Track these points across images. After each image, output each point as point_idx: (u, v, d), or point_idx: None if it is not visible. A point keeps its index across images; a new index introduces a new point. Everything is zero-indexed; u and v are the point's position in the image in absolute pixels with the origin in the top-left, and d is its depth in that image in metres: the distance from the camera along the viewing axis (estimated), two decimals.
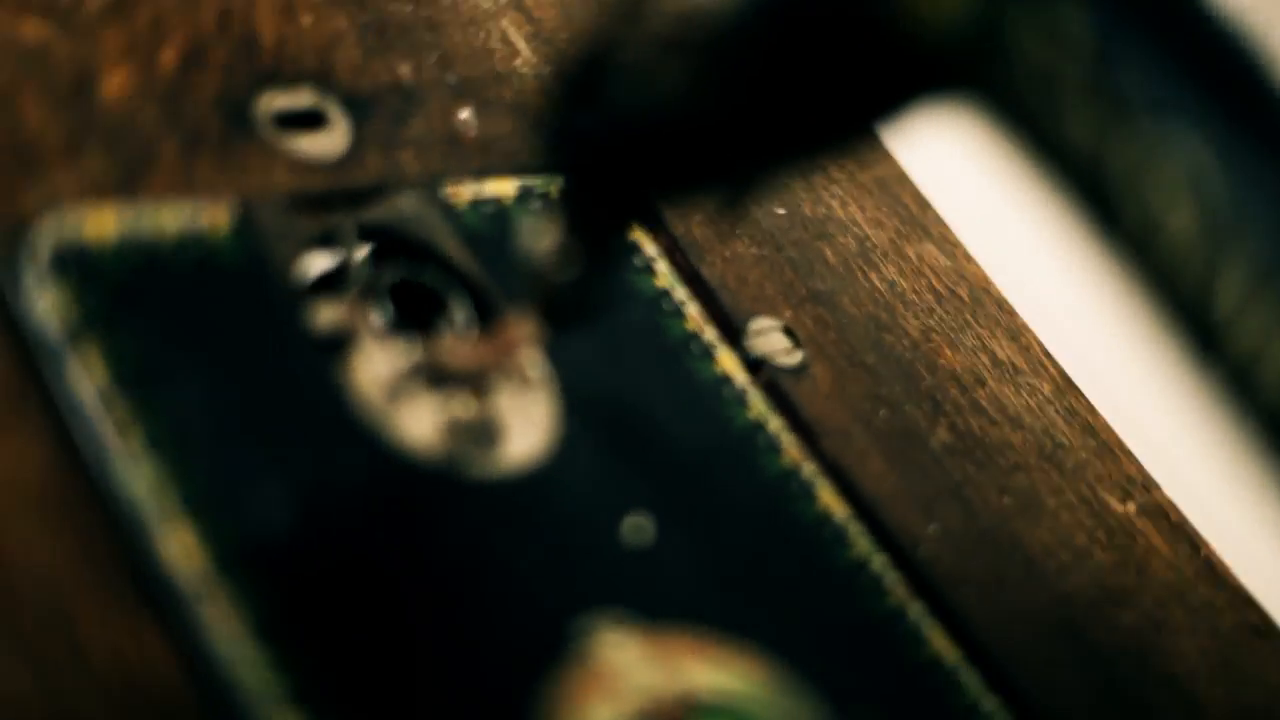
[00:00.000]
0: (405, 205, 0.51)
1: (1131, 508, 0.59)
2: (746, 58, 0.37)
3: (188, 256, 0.46)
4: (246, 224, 0.47)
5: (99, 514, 0.40)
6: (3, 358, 0.42)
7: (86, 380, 0.42)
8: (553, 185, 0.55)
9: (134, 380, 0.42)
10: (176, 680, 0.38)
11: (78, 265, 0.44)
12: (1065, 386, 0.62)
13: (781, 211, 0.60)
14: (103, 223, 0.45)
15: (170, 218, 0.46)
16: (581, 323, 0.47)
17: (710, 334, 0.54)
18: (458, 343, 0.48)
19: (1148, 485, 0.60)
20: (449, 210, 0.52)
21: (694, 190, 0.44)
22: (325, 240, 0.49)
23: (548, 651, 0.43)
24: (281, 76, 0.52)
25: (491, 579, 0.44)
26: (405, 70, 0.56)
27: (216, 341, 0.45)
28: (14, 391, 0.41)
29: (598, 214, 0.45)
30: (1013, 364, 0.62)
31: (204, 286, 0.45)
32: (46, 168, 0.46)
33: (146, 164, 0.48)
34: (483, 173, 0.54)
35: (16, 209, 0.44)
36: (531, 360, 0.49)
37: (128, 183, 0.47)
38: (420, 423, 0.46)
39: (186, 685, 0.38)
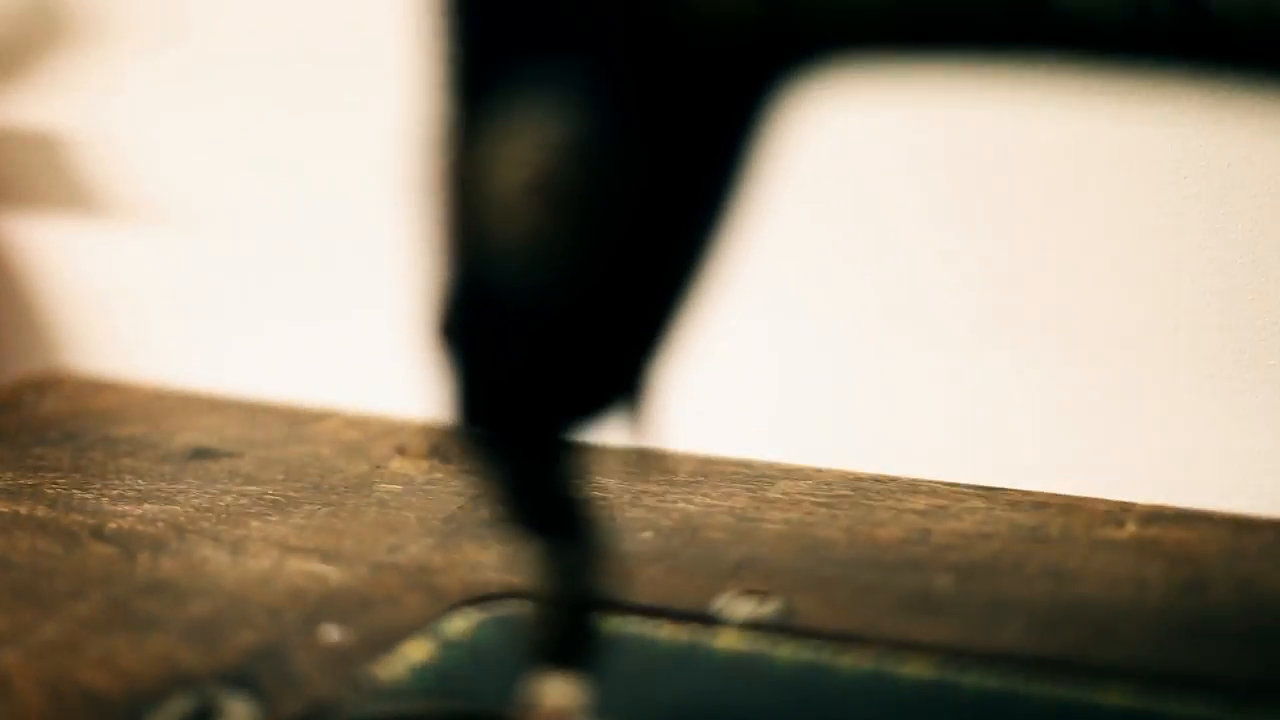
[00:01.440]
0: (359, 708, 0.48)
1: (1131, 527, 0.59)
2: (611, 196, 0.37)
3: None
4: None
5: None
6: None
7: None
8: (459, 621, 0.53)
9: None
10: None
11: None
12: (988, 493, 0.62)
13: (649, 535, 0.59)
14: None
15: None
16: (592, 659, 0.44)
17: (687, 633, 0.52)
18: None
19: (1124, 507, 0.60)
20: (394, 689, 0.49)
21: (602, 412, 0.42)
22: None
23: None
24: (150, 706, 0.49)
25: None
26: (248, 636, 0.53)
27: None
28: None
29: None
30: (935, 506, 0.61)
31: None
32: None
33: None
34: (386, 649, 0.52)
35: None
36: None
37: None
38: None
39: None
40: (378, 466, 0.68)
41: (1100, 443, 0.67)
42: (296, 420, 0.74)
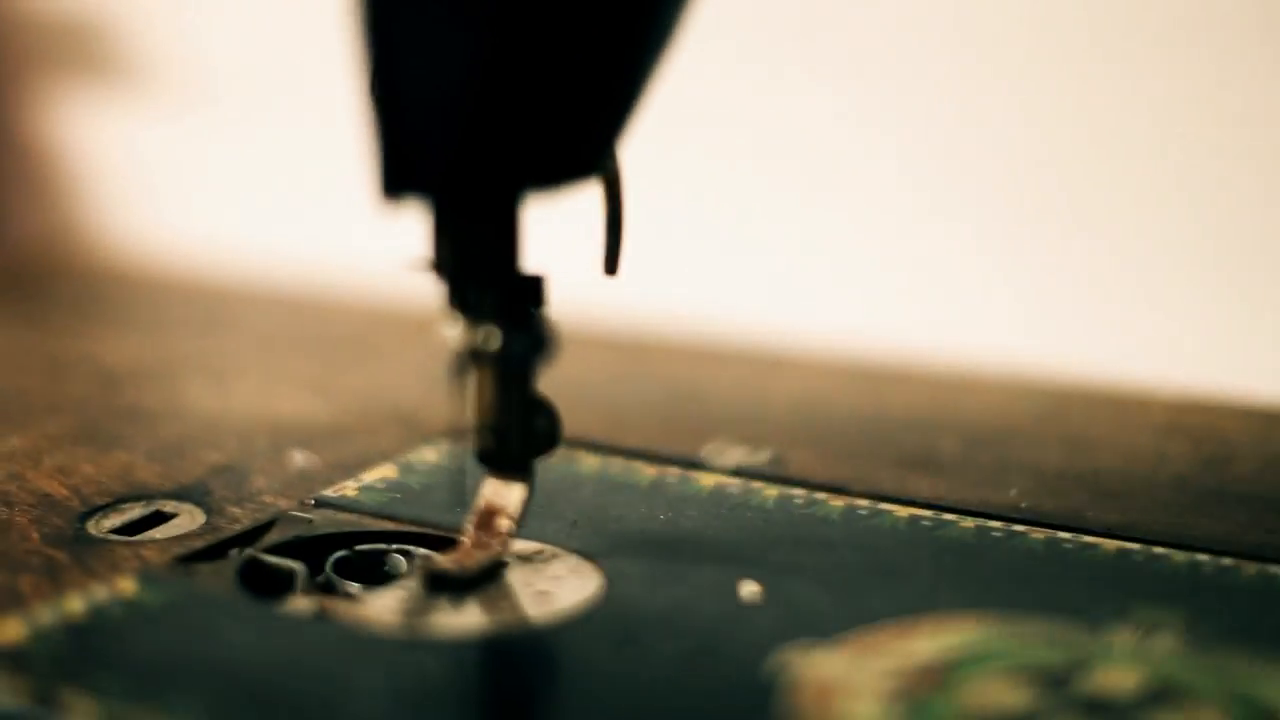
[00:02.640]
0: (303, 522, 0.46)
1: (1160, 410, 0.55)
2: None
3: (113, 615, 0.39)
4: (153, 580, 0.41)
5: None
6: None
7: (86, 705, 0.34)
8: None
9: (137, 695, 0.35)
10: None
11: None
12: (1013, 377, 0.59)
13: (643, 390, 0.56)
14: (8, 631, 0.38)
15: (74, 604, 0.39)
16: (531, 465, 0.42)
17: (674, 472, 0.49)
18: (449, 553, 0.42)
19: (1155, 395, 0.57)
20: (342, 504, 0.47)
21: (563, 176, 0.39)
22: (252, 569, 0.42)
23: (760, 707, 0.35)
24: (99, 508, 0.47)
25: (646, 692, 0.36)
26: (214, 456, 0.51)
27: (200, 660, 0.37)
28: None
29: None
30: (954, 381, 0.58)
31: (148, 629, 0.38)
32: None
33: (10, 600, 0.41)
34: (350, 474, 0.49)
35: None
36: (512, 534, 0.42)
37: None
38: (464, 619, 0.39)
39: None
40: (394, 328, 0.66)
41: (1136, 330, 0.63)
42: (319, 291, 0.72)
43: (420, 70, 0.36)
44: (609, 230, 0.43)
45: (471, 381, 0.41)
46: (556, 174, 0.39)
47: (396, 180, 0.37)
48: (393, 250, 0.71)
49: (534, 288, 0.40)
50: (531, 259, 0.40)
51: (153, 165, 0.83)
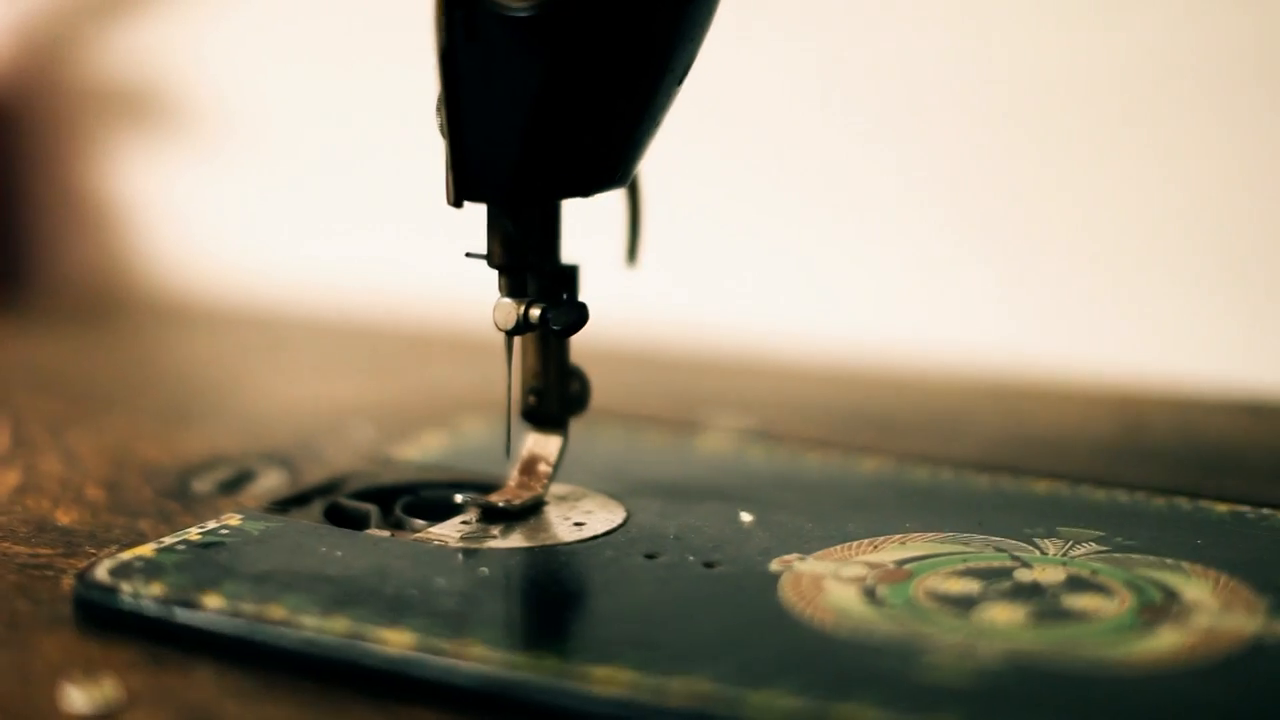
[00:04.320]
0: (371, 476, 0.53)
1: (1084, 389, 0.63)
2: None
3: (225, 539, 0.46)
4: (253, 517, 0.48)
5: None
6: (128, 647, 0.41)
7: (217, 602, 0.42)
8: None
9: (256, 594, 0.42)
10: None
11: (136, 569, 0.44)
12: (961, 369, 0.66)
13: (640, 370, 0.64)
14: (141, 551, 0.45)
15: (193, 535, 0.47)
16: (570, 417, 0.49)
17: (672, 434, 0.57)
18: (502, 489, 0.49)
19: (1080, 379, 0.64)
20: (405, 465, 0.54)
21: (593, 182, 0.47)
22: (336, 511, 0.50)
23: (759, 594, 0.43)
24: (196, 471, 0.54)
25: (673, 586, 0.44)
26: (288, 433, 0.58)
27: (307, 561, 0.45)
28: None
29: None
30: (913, 371, 0.66)
31: (256, 549, 0.46)
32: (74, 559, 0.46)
33: (137, 538, 0.48)
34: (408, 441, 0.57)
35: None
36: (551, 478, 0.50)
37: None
38: (514, 542, 0.47)
39: None
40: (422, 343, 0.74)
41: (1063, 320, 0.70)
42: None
43: (487, 109, 0.44)
44: (631, 228, 0.51)
45: (518, 352, 0.48)
46: (590, 184, 0.47)
47: (464, 189, 0.45)
48: (412, 275, 0.79)
49: (570, 274, 0.48)
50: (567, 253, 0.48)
51: (190, 206, 0.90)
